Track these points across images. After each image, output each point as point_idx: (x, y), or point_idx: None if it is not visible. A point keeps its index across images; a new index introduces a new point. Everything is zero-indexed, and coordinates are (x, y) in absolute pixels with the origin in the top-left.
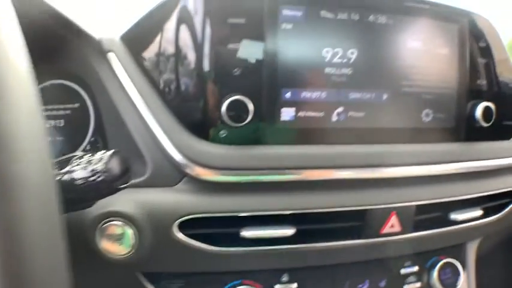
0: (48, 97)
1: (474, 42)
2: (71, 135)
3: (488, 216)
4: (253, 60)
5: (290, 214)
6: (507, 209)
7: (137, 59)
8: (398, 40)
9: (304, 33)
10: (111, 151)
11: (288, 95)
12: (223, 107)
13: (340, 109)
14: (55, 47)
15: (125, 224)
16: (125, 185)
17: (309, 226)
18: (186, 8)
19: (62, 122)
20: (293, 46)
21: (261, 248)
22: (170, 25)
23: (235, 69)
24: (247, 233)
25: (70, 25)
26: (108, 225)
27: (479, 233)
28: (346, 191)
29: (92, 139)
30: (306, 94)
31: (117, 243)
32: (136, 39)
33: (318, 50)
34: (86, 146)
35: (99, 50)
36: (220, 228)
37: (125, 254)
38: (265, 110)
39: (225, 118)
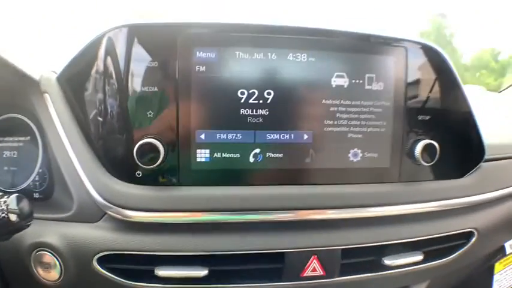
0: (4, 129)
1: (415, 74)
2: (23, 166)
3: (432, 261)
4: (167, 102)
5: (206, 254)
6: (457, 253)
7: (69, 100)
8: (320, 78)
9: (218, 75)
10: (16, 194)
11: (203, 136)
12: (135, 149)
13: (257, 150)
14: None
15: (52, 255)
16: (30, 223)
17: (222, 267)
18: (109, 52)
19: (15, 154)
20: (207, 88)
21: (174, 286)
22: (95, 68)
23: (149, 112)
24: (161, 271)
25: (10, 67)
26: (40, 254)
27: (423, 277)
28: (265, 232)
29: (40, 170)
30: (221, 135)
31: (48, 270)
32: (68, 81)
33: (232, 91)
34: (35, 177)
35: (39, 90)
36: (136, 265)
37: (55, 281)
38: (181, 152)
39: (137, 160)
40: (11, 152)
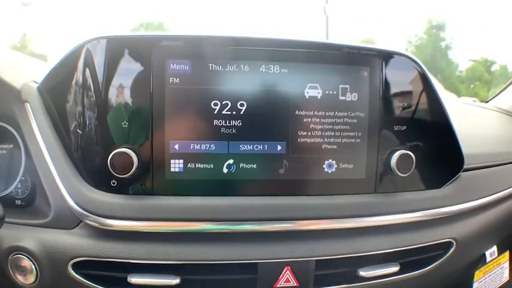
0: None
1: (390, 84)
2: (6, 173)
3: (409, 272)
4: (141, 113)
5: (179, 263)
6: (435, 264)
7: (49, 109)
8: (293, 89)
9: (192, 86)
10: None
11: (177, 147)
12: (109, 158)
13: (230, 161)
14: None
15: (28, 259)
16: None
17: (195, 276)
18: (86, 63)
19: None
20: (181, 99)
21: None
22: (73, 78)
23: (124, 122)
24: (134, 279)
25: None
26: (16, 257)
27: None
28: (238, 243)
29: (23, 178)
30: (195, 146)
31: (24, 273)
32: (48, 91)
33: (206, 103)
34: (17, 184)
35: (20, 98)
36: (110, 272)
37: (30, 284)
38: (154, 162)
39: (111, 169)
40: None
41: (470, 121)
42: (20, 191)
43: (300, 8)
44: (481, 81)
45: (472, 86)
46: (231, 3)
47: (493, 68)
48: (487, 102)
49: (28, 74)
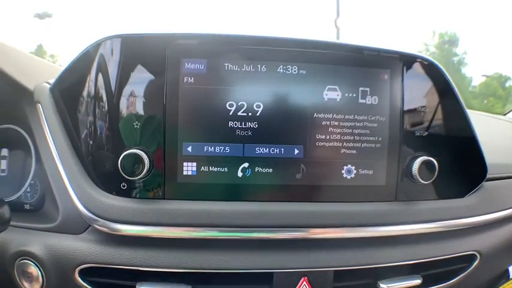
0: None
1: (411, 88)
2: (16, 177)
3: (431, 285)
4: (154, 113)
5: (190, 272)
6: (458, 277)
7: (60, 110)
8: (311, 91)
9: (207, 86)
10: None
11: (190, 149)
12: (119, 160)
13: (245, 164)
14: None
15: (35, 264)
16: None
17: (207, 286)
18: (99, 63)
19: (9, 164)
20: (195, 99)
21: None
22: (85, 78)
23: (136, 123)
24: (142, 287)
25: (5, 76)
26: (23, 263)
27: None
28: (253, 251)
29: (32, 182)
30: (209, 148)
31: (30, 279)
32: (61, 91)
33: (221, 103)
34: (26, 188)
35: (32, 100)
36: (118, 280)
37: None
38: (166, 164)
39: (121, 171)
40: (4, 162)
41: (490, 131)
42: (29, 195)
43: (311, 20)
44: (495, 97)
45: (485, 101)
46: (236, 17)
47: (507, 84)
48: (505, 115)
49: (42, 76)
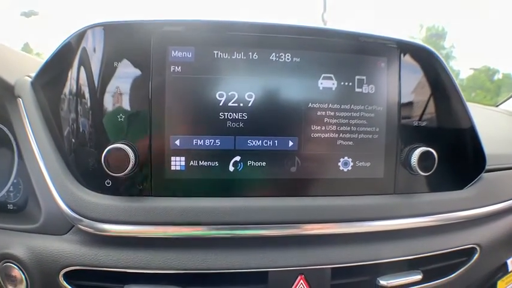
0: None
1: (409, 77)
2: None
3: (432, 280)
4: (139, 105)
5: (180, 273)
6: (459, 271)
7: (42, 105)
8: (305, 80)
9: (195, 76)
10: None
11: (178, 142)
12: (103, 155)
13: (237, 158)
14: None
15: (18, 267)
16: None
17: (199, 287)
18: (80, 53)
19: None
20: (183, 89)
21: None
22: (67, 70)
23: (120, 116)
24: None
25: None
26: (6, 266)
27: None
28: (247, 249)
29: (15, 181)
30: (198, 141)
31: (14, 283)
32: (42, 85)
33: (210, 94)
34: (9, 188)
35: (13, 94)
36: (104, 283)
37: None
38: (153, 159)
39: (105, 167)
40: None
41: (485, 122)
42: (12, 194)
43: (297, 15)
44: (483, 90)
45: (473, 94)
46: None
47: (495, 77)
48: (497, 106)
49: (24, 70)
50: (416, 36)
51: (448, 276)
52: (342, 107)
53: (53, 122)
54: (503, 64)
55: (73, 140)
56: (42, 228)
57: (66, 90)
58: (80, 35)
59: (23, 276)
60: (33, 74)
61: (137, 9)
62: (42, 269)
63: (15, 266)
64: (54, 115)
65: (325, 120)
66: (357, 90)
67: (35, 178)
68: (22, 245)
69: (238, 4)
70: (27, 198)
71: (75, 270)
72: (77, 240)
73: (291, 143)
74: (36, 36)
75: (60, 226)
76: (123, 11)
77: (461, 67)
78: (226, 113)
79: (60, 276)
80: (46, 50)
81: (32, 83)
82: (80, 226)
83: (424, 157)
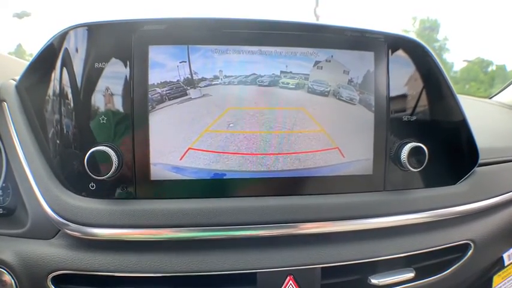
0: None
1: (397, 71)
2: None
3: (425, 278)
4: (121, 106)
5: (169, 276)
6: (452, 268)
7: (26, 108)
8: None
9: None
10: None
11: None
12: (86, 158)
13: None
14: None
15: (7, 272)
16: None
17: None
18: (63, 55)
19: None
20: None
21: None
22: (49, 73)
23: (102, 118)
24: None
25: None
26: None
27: None
28: (235, 250)
29: (4, 184)
30: None
31: (4, 287)
32: (27, 88)
33: None
34: None
35: None
36: (92, 287)
37: None
38: (137, 161)
39: (88, 170)
40: None
41: (477, 115)
42: (1, 198)
43: (289, 9)
44: (476, 82)
45: (467, 86)
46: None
47: (489, 69)
48: (490, 98)
49: (9, 72)
50: (409, 29)
51: (441, 273)
52: (327, 103)
53: (37, 125)
54: (496, 55)
55: (57, 143)
56: (30, 232)
57: (50, 92)
58: (62, 36)
59: (13, 281)
60: (17, 77)
61: (132, 9)
62: (30, 273)
63: (4, 271)
64: (38, 118)
65: (308, 117)
66: (345, 84)
67: (21, 182)
68: (10, 249)
69: (231, 1)
70: (16, 202)
71: (63, 274)
72: (64, 244)
73: (276, 141)
74: (30, 38)
75: (47, 230)
76: (117, 10)
77: (455, 59)
78: None
79: (48, 280)
80: None
81: (17, 86)
82: (66, 230)
83: (414, 152)
